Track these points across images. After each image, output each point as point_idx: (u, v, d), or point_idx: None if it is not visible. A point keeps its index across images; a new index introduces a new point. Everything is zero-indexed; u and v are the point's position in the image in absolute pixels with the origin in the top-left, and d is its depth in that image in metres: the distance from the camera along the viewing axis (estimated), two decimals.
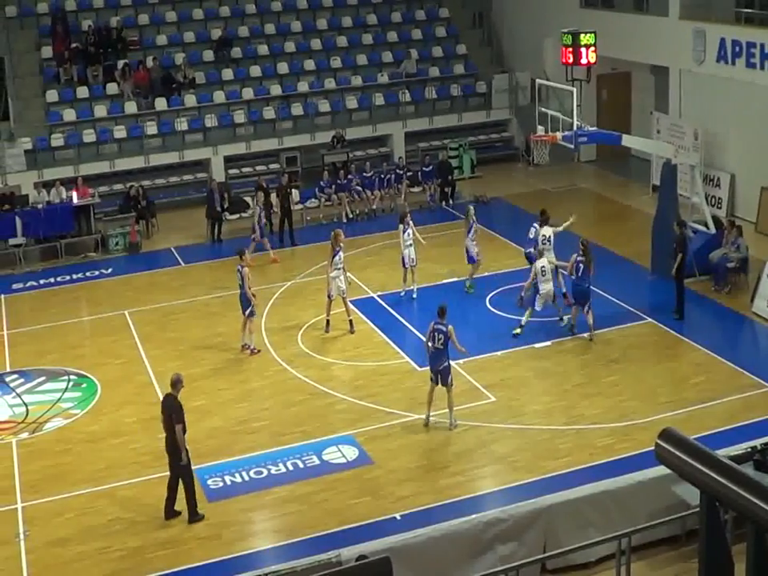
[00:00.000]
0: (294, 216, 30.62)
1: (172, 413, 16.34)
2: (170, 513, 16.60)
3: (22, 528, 16.63)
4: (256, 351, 22.55)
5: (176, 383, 16.61)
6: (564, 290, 23.56)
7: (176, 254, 29.96)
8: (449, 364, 18.86)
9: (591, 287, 22.46)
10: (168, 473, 16.66)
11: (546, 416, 19.32)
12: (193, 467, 17.87)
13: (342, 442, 18.74)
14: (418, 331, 23.26)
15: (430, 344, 18.85)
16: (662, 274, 24.58)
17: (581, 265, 22.21)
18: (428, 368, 19.21)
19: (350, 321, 23.50)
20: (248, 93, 36.99)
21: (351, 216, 32.11)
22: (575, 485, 16.26)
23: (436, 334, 18.68)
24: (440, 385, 18.92)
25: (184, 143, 35.30)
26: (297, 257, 29.27)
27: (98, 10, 38.13)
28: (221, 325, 24.32)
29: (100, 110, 35.41)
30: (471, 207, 26.21)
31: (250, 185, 33.60)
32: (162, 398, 17.11)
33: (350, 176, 32.83)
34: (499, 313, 24.19)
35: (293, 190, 31.46)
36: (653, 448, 9.92)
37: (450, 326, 18.63)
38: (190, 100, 36.27)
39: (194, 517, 16.53)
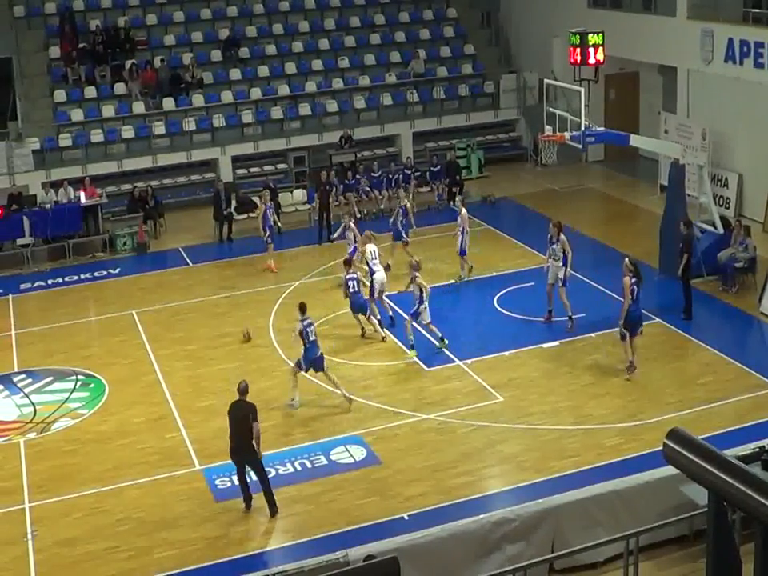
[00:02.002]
0: (300, 216, 30.57)
1: (249, 413, 16.44)
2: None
3: (30, 528, 16.65)
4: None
5: (245, 390, 16.79)
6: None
7: (184, 254, 29.99)
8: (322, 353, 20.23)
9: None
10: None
11: (554, 416, 19.31)
12: (201, 467, 17.97)
13: (350, 442, 18.75)
14: (426, 331, 23.27)
15: (306, 340, 19.86)
16: (670, 274, 24.54)
17: (635, 287, 20.45)
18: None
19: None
20: (256, 93, 37.01)
21: (359, 216, 32.08)
22: (583, 485, 16.27)
23: (308, 329, 19.86)
24: (317, 372, 20.32)
25: (192, 143, 35.33)
26: (301, 257, 29.25)
27: (106, 10, 38.16)
28: (228, 325, 24.33)
29: (108, 110, 35.46)
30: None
31: (258, 185, 33.62)
32: (232, 405, 16.94)
33: (357, 176, 32.83)
34: (507, 313, 24.17)
35: (333, 187, 31.43)
36: (660, 448, 9.87)
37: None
38: (198, 100, 36.30)
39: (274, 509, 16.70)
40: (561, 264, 22.59)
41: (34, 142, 33.27)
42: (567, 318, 22.86)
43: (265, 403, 20.52)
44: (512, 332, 23.14)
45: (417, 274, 22.01)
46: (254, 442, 16.39)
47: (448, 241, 28.12)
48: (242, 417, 16.44)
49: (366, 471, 17.80)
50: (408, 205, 27.72)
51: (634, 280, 20.26)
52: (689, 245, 23.37)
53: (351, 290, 22.71)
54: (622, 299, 23.07)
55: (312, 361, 20.11)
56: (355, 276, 23.02)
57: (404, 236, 27.04)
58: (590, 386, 20.47)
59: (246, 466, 16.67)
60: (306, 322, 19.92)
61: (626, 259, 20.71)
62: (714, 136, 29.75)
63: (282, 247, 29.32)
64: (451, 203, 32.55)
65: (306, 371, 20.37)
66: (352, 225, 25.92)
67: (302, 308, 20.11)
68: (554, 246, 22.71)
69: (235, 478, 17.63)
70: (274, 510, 16.60)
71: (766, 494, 8.51)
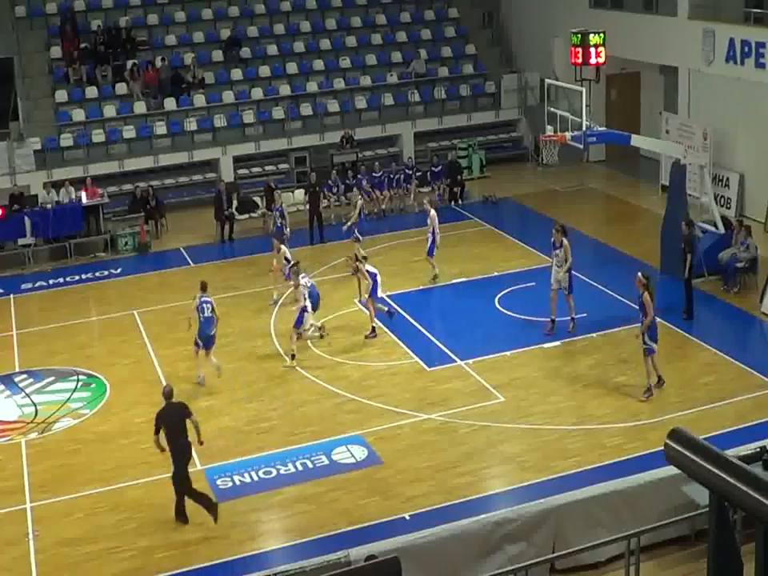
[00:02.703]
0: (302, 216, 30.53)
1: (183, 412, 16.49)
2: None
3: (32, 528, 16.65)
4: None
5: (170, 393, 16.83)
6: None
7: (185, 254, 29.99)
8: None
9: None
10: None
11: (556, 416, 19.30)
12: (202, 467, 17.96)
13: (352, 442, 18.74)
14: (428, 331, 23.30)
15: (201, 315, 20.96)
16: (671, 274, 24.55)
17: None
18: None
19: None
20: (257, 93, 37.02)
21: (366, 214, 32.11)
22: (584, 485, 16.29)
23: (205, 305, 21.06)
24: (205, 350, 21.12)
25: (193, 143, 35.36)
26: (305, 257, 29.21)
27: (107, 10, 38.22)
28: (230, 325, 24.30)
29: (109, 110, 35.47)
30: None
31: (259, 185, 33.69)
32: (162, 412, 16.81)
33: (359, 176, 32.85)
34: (508, 313, 24.17)
35: (322, 189, 31.34)
36: (662, 448, 9.89)
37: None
38: (199, 100, 36.32)
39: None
40: (564, 270, 22.33)
41: (35, 142, 33.30)
42: (569, 319, 22.72)
43: (266, 403, 20.59)
44: (513, 332, 23.13)
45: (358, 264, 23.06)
46: (196, 435, 16.49)
47: (449, 241, 28.16)
48: (178, 419, 16.45)
49: (368, 471, 17.80)
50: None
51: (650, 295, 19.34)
52: (690, 245, 23.37)
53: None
54: (623, 299, 23.20)
55: (202, 338, 21.10)
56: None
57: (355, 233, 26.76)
58: (591, 385, 20.46)
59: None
60: (203, 299, 21.13)
61: (639, 274, 19.72)
62: (715, 136, 29.75)
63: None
64: (452, 203, 32.64)
65: (201, 348, 21.19)
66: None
67: (203, 287, 21.45)
68: (558, 251, 22.36)
69: (236, 478, 17.67)
70: (183, 518, 16.63)
71: (767, 493, 8.53)
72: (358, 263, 23.62)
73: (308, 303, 22.20)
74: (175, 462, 16.45)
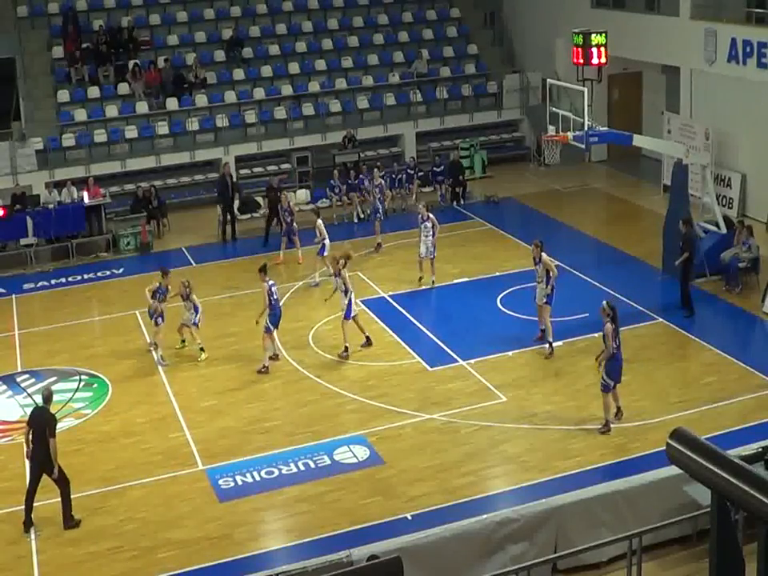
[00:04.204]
0: (304, 216, 30.42)
1: (46, 426, 16.43)
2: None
3: (33, 528, 16.66)
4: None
5: (49, 398, 16.86)
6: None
7: (187, 254, 29.99)
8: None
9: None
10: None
11: (558, 416, 19.31)
12: (204, 467, 17.98)
13: (354, 442, 18.75)
14: (430, 331, 23.30)
15: (271, 298, 21.70)
16: (673, 274, 24.55)
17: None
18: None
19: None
20: (259, 93, 37.02)
21: (362, 216, 32.13)
22: (586, 485, 16.28)
23: (273, 287, 21.82)
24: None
25: (195, 143, 35.35)
26: (307, 257, 29.23)
27: (109, 10, 38.22)
28: (232, 325, 24.36)
29: (111, 110, 35.47)
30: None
31: (261, 184, 33.67)
32: (33, 412, 17.00)
33: (360, 176, 32.86)
34: (510, 313, 24.18)
35: (283, 192, 30.32)
36: (664, 448, 9.90)
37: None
38: (201, 100, 36.31)
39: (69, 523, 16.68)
40: (545, 285, 21.77)
41: (37, 142, 33.29)
42: (547, 345, 21.94)
43: (267, 403, 20.61)
44: (515, 332, 23.12)
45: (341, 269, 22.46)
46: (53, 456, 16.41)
47: (449, 241, 28.20)
48: (42, 430, 16.43)
49: (370, 471, 17.81)
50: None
51: (614, 326, 18.30)
52: (688, 243, 23.34)
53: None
54: (625, 299, 23.20)
55: (275, 322, 21.88)
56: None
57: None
58: (593, 385, 20.39)
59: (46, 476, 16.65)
60: (270, 283, 21.81)
61: (604, 302, 18.72)
62: (717, 136, 29.75)
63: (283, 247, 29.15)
64: (454, 203, 32.65)
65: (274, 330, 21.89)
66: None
67: (264, 269, 22.07)
68: (537, 267, 21.92)
69: (238, 478, 17.68)
70: (69, 523, 16.68)
71: None
72: (340, 266, 22.42)
73: (351, 290, 22.27)
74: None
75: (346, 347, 22.36)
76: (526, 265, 26.31)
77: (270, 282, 22.00)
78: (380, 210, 29.42)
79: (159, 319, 22.73)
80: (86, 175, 32.42)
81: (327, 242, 26.44)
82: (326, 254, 26.05)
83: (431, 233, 25.76)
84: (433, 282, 26.04)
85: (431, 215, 25.91)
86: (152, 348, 22.96)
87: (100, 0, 38.26)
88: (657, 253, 26.08)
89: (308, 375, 21.52)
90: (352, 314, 22.36)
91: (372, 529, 15.97)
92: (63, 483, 16.68)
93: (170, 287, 23.11)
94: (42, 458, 16.46)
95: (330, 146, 35.91)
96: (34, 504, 16.73)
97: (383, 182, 30.30)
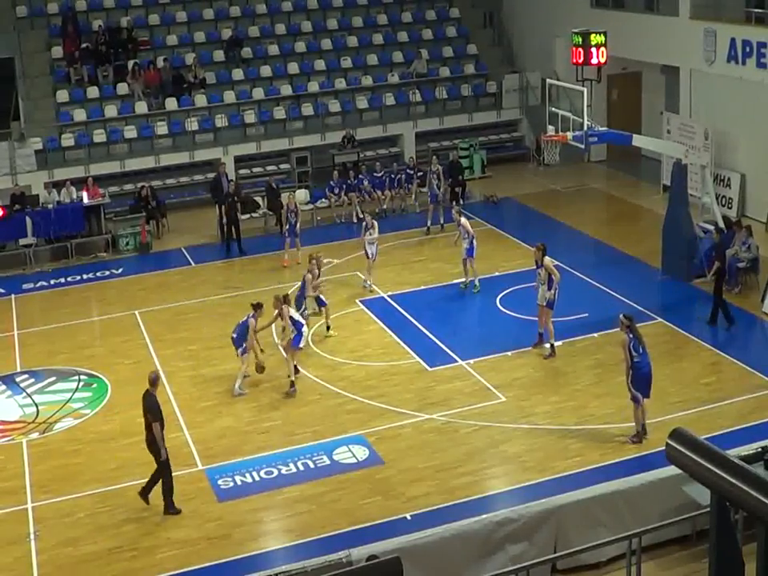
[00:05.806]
0: (304, 216, 30.41)
1: (148, 412, 16.62)
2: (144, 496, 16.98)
3: (33, 528, 16.65)
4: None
5: (153, 381, 17.06)
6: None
7: (186, 254, 29.98)
8: None
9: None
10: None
11: (557, 416, 19.31)
12: (203, 467, 17.97)
13: (353, 442, 18.75)
14: (429, 331, 23.29)
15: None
16: (673, 275, 24.55)
17: (636, 343, 18.33)
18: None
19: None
20: (258, 93, 37.01)
21: (361, 216, 32.07)
22: (586, 485, 16.29)
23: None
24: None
25: (194, 143, 35.34)
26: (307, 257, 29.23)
27: (109, 10, 38.20)
28: (232, 325, 24.23)
29: (110, 110, 35.46)
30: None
31: (260, 184, 33.66)
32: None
33: (360, 176, 32.85)
34: (510, 313, 24.18)
35: (239, 201, 30.40)
36: (663, 448, 9.89)
37: None
38: (201, 100, 36.31)
39: (170, 510, 16.79)
40: (547, 288, 21.61)
41: (36, 142, 33.29)
42: (548, 345, 21.89)
43: (267, 404, 20.59)
44: (515, 332, 23.12)
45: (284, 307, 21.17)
46: None
47: (449, 241, 28.14)
48: (147, 414, 16.66)
49: (369, 471, 17.81)
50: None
51: (631, 336, 18.12)
52: (720, 252, 23.11)
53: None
54: (625, 299, 23.20)
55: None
56: None
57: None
58: (592, 385, 20.47)
59: None
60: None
61: (621, 315, 18.58)
62: (717, 136, 29.76)
63: (282, 247, 29.07)
64: (453, 203, 32.60)
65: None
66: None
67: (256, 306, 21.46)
68: (539, 270, 21.82)
69: (238, 478, 17.66)
70: (144, 496, 16.88)
71: None
72: (283, 305, 21.17)
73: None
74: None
75: (292, 382, 20.93)
76: (525, 265, 26.33)
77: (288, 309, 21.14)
78: (437, 197, 30.61)
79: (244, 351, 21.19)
80: (85, 175, 32.39)
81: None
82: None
83: (466, 236, 25.49)
84: (469, 283, 25.74)
85: (462, 219, 25.71)
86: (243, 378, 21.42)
87: (99, 0, 38.25)
88: (656, 253, 26.08)
89: (307, 375, 21.50)
90: (300, 345, 21.20)
91: (371, 529, 15.96)
92: (162, 468, 16.74)
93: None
94: (150, 441, 16.67)
95: (329, 146, 35.90)
96: (34, 504, 16.71)
97: (440, 167, 31.09)
